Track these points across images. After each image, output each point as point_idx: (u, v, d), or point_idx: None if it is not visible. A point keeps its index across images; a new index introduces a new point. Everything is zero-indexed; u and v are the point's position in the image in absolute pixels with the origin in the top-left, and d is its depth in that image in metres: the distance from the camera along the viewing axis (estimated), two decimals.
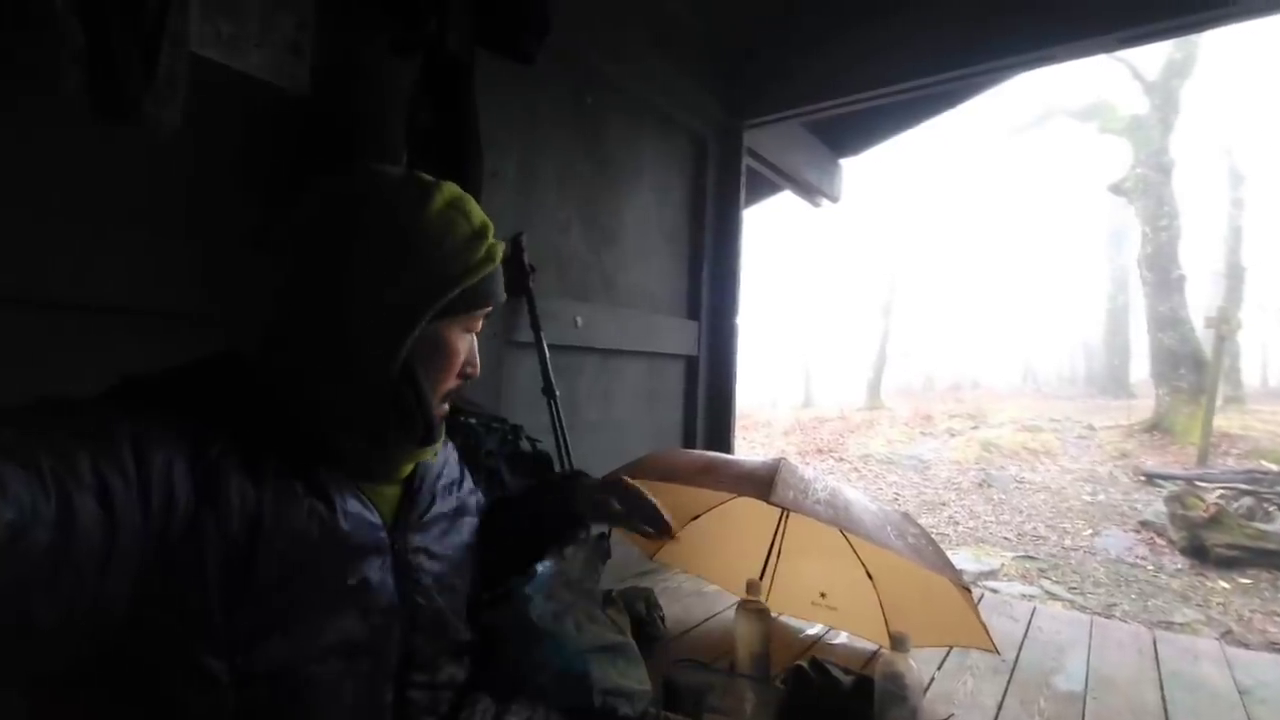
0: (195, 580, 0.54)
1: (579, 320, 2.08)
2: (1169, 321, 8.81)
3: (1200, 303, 10.44)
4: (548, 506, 1.00)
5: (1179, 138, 9.44)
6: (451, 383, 0.74)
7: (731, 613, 1.49)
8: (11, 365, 0.96)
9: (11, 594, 0.43)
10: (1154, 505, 5.75)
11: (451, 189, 0.73)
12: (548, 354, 1.81)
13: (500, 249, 0.74)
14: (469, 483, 0.88)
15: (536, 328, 1.80)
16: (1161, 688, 1.57)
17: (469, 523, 0.85)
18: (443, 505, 0.80)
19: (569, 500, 0.98)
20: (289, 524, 0.61)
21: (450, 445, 0.88)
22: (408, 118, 1.40)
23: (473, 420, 1.42)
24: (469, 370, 0.75)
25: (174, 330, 1.13)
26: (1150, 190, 9.16)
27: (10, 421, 0.47)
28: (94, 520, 0.47)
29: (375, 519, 0.69)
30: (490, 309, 0.75)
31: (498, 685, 0.94)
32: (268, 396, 0.65)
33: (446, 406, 0.75)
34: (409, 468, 0.76)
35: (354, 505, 0.67)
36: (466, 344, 0.74)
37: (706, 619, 1.89)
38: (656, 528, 0.94)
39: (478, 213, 0.73)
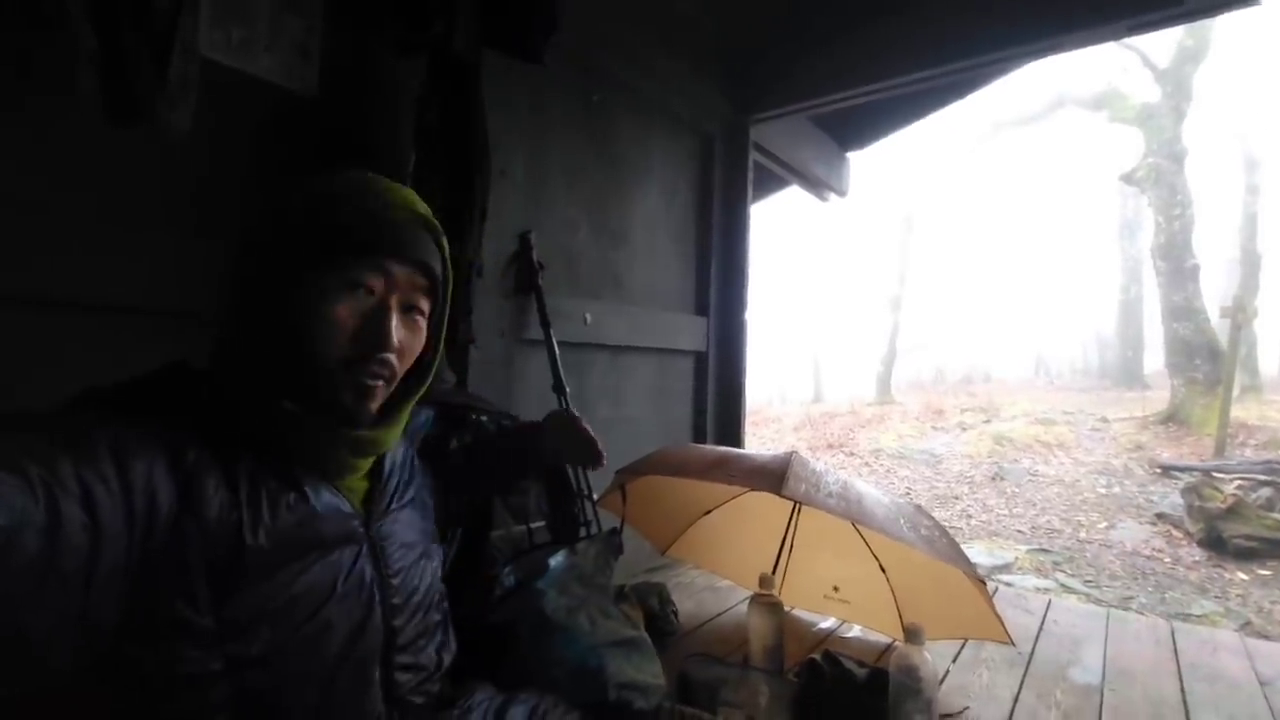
0: (181, 584, 0.55)
1: (588, 317, 2.08)
2: (1183, 311, 8.70)
3: (1215, 292, 10.30)
4: (513, 447, 1.14)
5: (1192, 125, 9.31)
6: (345, 349, 0.67)
7: (744, 607, 1.49)
8: (27, 365, 0.98)
9: (5, 604, 0.43)
10: (1170, 497, 5.69)
11: (366, 175, 0.73)
12: (557, 351, 1.81)
13: (407, 211, 0.71)
14: (420, 476, 0.90)
15: (546, 325, 1.81)
16: (1180, 679, 1.56)
17: (428, 512, 0.89)
18: (404, 496, 0.83)
19: (534, 448, 1.12)
20: (268, 520, 0.62)
21: (407, 442, 0.90)
22: (416, 118, 1.41)
23: (484, 418, 1.43)
24: (372, 340, 0.68)
25: (184, 330, 1.14)
26: (1163, 179, 9.04)
27: None
28: (81, 528, 0.47)
29: (348, 509, 0.72)
30: (385, 265, 0.69)
31: (506, 677, 0.95)
32: (225, 399, 0.66)
33: (368, 383, 0.69)
34: (366, 463, 0.76)
35: (327, 497, 0.69)
36: (354, 305, 0.68)
37: (719, 614, 1.89)
38: (594, 463, 1.08)
39: (379, 180, 0.73)
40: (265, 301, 0.67)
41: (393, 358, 0.71)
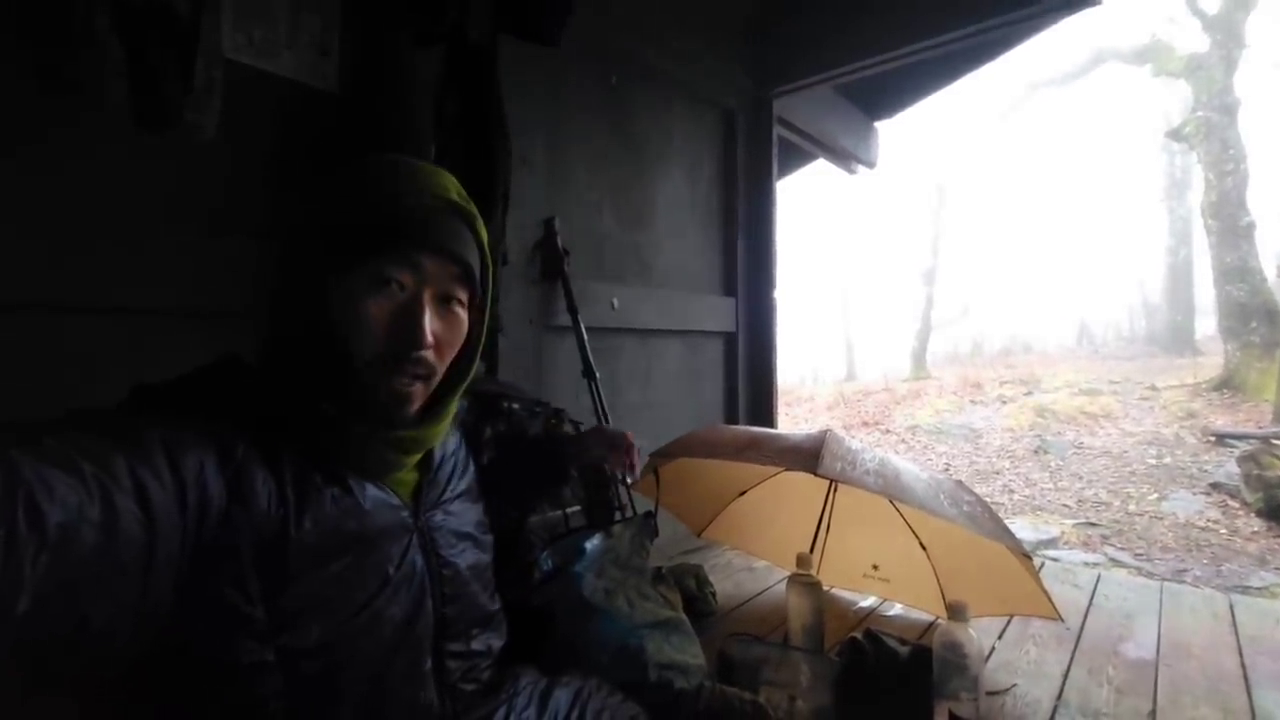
0: (232, 575, 0.56)
1: (615, 302, 2.08)
2: (1237, 272, 8.28)
3: (1271, 251, 9.77)
4: (541, 459, 1.10)
5: (1244, 75, 8.79)
6: (379, 348, 0.66)
7: (782, 588, 1.48)
8: (69, 370, 1.02)
9: (66, 596, 0.44)
10: (1226, 466, 5.47)
11: (393, 161, 0.71)
12: (586, 337, 1.81)
13: (435, 199, 0.68)
14: (473, 466, 0.90)
15: (573, 311, 1.81)
16: (1240, 654, 1.50)
17: (480, 501, 0.89)
18: (458, 486, 0.83)
19: (559, 456, 1.10)
20: (314, 513, 0.63)
21: (459, 431, 0.90)
22: (435, 108, 1.41)
23: (515, 405, 1.44)
24: (405, 338, 0.66)
25: (222, 329, 1.17)
26: (1213, 133, 8.57)
27: (47, 430, 0.48)
28: (135, 521, 0.49)
29: (395, 501, 0.72)
30: (415, 259, 0.67)
31: (549, 660, 0.96)
32: (271, 394, 0.67)
33: (407, 384, 0.68)
34: (413, 459, 0.75)
35: (373, 491, 0.69)
36: (386, 303, 0.66)
37: (757, 594, 1.89)
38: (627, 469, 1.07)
39: (416, 169, 0.70)
40: (299, 301, 0.67)
41: (429, 355, 0.69)
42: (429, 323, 0.68)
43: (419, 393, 0.70)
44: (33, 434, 0.47)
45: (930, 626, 1.63)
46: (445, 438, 0.82)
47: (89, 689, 0.54)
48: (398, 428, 0.70)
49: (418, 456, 0.76)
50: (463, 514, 0.82)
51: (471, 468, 0.89)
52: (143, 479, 0.50)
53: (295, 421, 0.66)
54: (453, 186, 0.72)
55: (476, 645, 0.80)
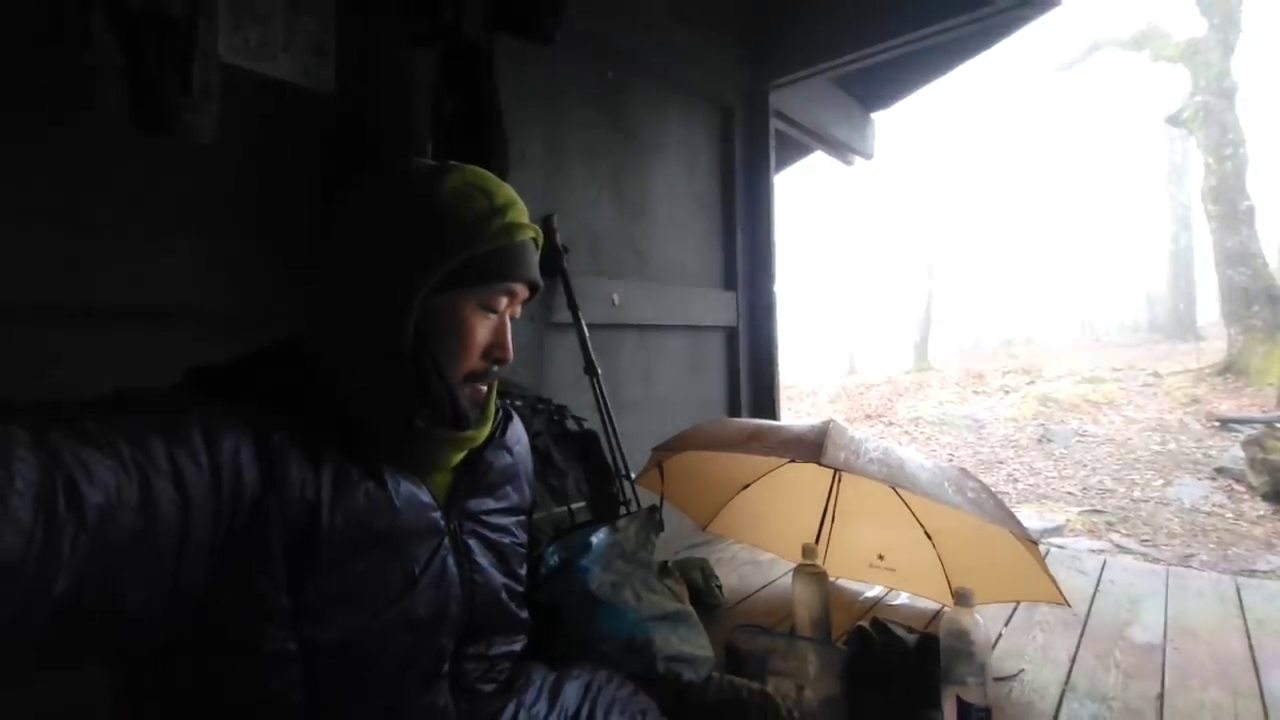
0: (262, 562, 0.57)
1: (615, 298, 2.08)
2: (1239, 256, 8.25)
3: (1272, 234, 9.73)
4: None
5: (1242, 59, 8.74)
6: (474, 364, 0.73)
7: (788, 580, 1.49)
8: (80, 375, 1.02)
9: (104, 576, 0.45)
10: (1230, 451, 5.45)
11: (475, 171, 0.74)
12: (587, 333, 1.81)
13: (528, 230, 0.74)
14: (528, 488, 0.89)
15: (574, 307, 1.81)
16: (1248, 636, 1.51)
17: (520, 520, 0.87)
18: (497, 495, 0.82)
19: None
20: (346, 506, 0.63)
21: (515, 445, 0.88)
22: (432, 107, 1.41)
23: (518, 402, 1.45)
24: (497, 354, 0.74)
25: (235, 332, 1.17)
26: (1212, 118, 8.53)
27: (88, 412, 0.49)
28: (172, 504, 0.49)
29: (428, 500, 0.71)
30: (514, 288, 0.74)
31: (557, 654, 0.97)
32: (321, 383, 0.67)
33: (481, 389, 0.75)
34: (456, 457, 0.76)
35: (407, 488, 0.69)
36: (487, 324, 0.73)
37: (763, 586, 1.89)
38: None
39: (503, 192, 0.73)
40: (390, 319, 0.67)
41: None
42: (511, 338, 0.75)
43: (489, 395, 0.78)
44: (73, 414, 0.48)
45: (937, 614, 1.63)
46: (499, 453, 0.83)
47: (120, 664, 0.56)
48: (467, 429, 0.74)
49: (458, 458, 0.77)
50: (501, 519, 0.82)
51: (528, 491, 0.88)
52: (180, 462, 0.51)
53: (365, 430, 0.67)
54: (525, 209, 0.76)
55: (498, 649, 0.80)
